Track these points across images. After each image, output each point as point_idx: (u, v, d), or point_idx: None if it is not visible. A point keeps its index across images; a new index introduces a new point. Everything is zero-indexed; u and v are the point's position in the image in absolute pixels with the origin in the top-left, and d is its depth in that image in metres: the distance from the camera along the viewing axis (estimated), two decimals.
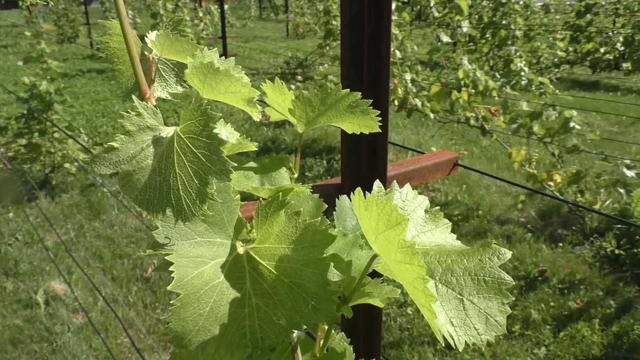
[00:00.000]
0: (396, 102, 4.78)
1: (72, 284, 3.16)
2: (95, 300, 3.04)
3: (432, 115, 4.59)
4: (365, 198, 0.38)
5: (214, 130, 0.38)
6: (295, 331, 0.56)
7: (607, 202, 3.92)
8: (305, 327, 0.56)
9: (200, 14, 9.81)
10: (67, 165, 4.46)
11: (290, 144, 5.71)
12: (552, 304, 3.02)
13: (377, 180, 0.46)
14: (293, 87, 6.69)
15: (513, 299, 0.39)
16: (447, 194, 4.45)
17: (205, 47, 0.46)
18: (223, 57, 0.48)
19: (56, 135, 4.34)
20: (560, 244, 3.66)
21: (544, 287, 3.18)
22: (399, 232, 0.35)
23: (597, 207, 3.74)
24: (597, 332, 2.79)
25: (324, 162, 5.10)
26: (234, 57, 0.48)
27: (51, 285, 3.16)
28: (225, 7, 12.75)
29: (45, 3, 0.36)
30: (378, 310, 0.92)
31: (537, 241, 3.70)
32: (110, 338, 2.76)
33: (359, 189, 0.39)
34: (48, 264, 3.36)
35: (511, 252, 0.42)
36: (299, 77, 7.17)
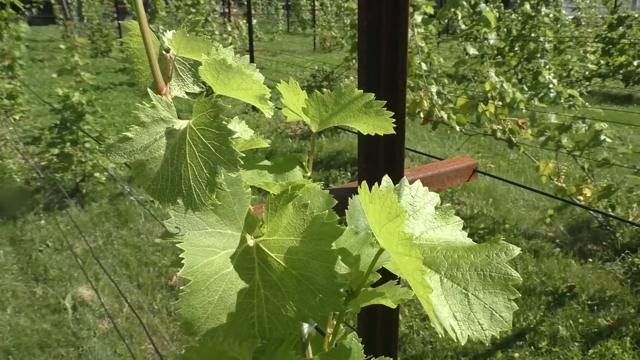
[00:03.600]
0: (422, 115, 4.76)
1: (99, 290, 3.22)
2: (120, 307, 3.09)
3: (458, 128, 4.55)
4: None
5: (223, 122, 0.39)
6: (306, 326, 0.57)
7: None
8: (315, 323, 0.56)
9: (229, 28, 9.99)
10: (97, 174, 4.57)
11: (315, 155, 5.73)
12: (581, 320, 2.94)
13: (386, 175, 0.46)
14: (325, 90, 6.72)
15: (520, 295, 0.39)
16: (473, 207, 4.40)
17: (220, 45, 0.48)
18: (237, 56, 0.49)
19: (87, 145, 4.45)
20: (590, 260, 3.56)
21: (572, 303, 3.10)
22: (399, 224, 0.35)
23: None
24: (628, 350, 2.70)
25: (349, 173, 5.10)
26: (247, 56, 0.50)
27: (79, 291, 3.23)
28: (254, 21, 12.94)
29: None
30: (395, 317, 0.91)
31: (565, 256, 3.62)
32: (134, 344, 2.80)
33: (364, 182, 0.39)
34: (76, 270, 3.44)
35: (519, 249, 0.41)
36: (325, 90, 7.21)
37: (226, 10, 14.60)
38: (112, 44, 12.81)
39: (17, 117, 6.82)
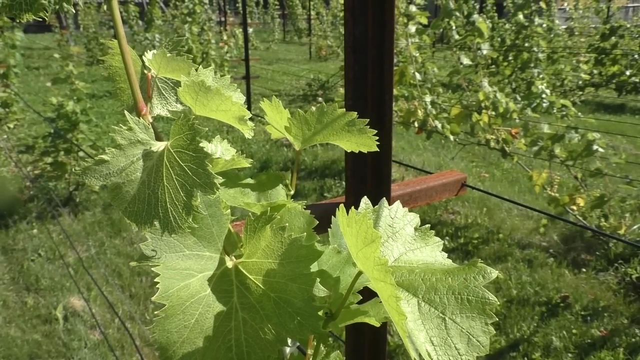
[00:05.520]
0: (416, 124, 4.77)
1: (90, 301, 3.19)
2: (112, 317, 3.07)
3: (452, 137, 4.57)
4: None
5: (200, 144, 0.39)
6: (288, 348, 0.56)
7: (634, 227, 3.83)
8: (297, 343, 0.56)
9: (225, 37, 10.01)
10: None
11: (310, 164, 5.73)
12: (574, 331, 2.94)
13: (365, 196, 0.46)
14: (314, 108, 6.74)
15: (497, 319, 0.39)
16: (467, 217, 4.40)
17: (200, 66, 0.48)
18: (215, 75, 0.49)
19: (81, 153, 4.44)
20: (584, 270, 3.57)
21: (566, 313, 3.10)
22: (374, 249, 0.35)
23: (621, 232, 3.64)
24: None
25: (343, 182, 5.10)
26: (228, 77, 0.50)
27: (70, 301, 3.21)
28: (250, 30, 12.97)
29: (42, 19, 0.38)
30: (383, 331, 0.91)
31: (559, 266, 3.62)
32: (125, 355, 2.77)
33: (342, 205, 0.39)
34: (68, 280, 3.41)
35: (497, 272, 0.41)
36: (320, 99, 7.23)
37: (222, 19, 14.65)
38: (107, 53, 12.80)
39: (11, 126, 6.80)
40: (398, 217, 0.47)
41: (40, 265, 3.59)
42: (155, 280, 0.40)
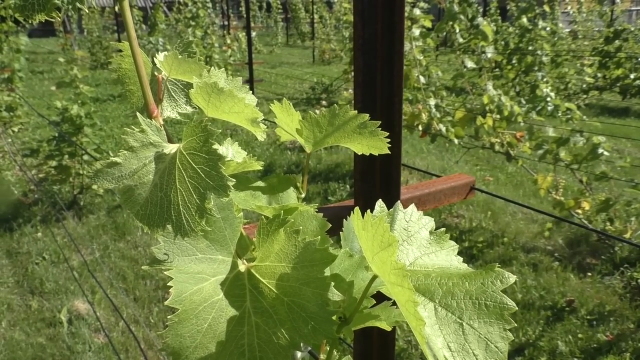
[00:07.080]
0: (420, 128, 4.77)
1: (94, 304, 3.19)
2: (117, 320, 3.06)
3: (456, 141, 4.56)
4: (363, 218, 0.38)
5: (213, 147, 0.38)
6: (299, 353, 0.56)
7: (639, 232, 3.80)
8: (308, 348, 0.55)
9: (229, 41, 10.03)
10: (95, 186, 4.56)
11: (314, 168, 5.73)
12: (580, 335, 2.92)
13: (380, 200, 0.45)
14: (317, 112, 6.74)
15: (515, 325, 0.38)
16: (472, 220, 4.39)
17: (213, 68, 0.47)
18: (229, 78, 0.49)
19: (85, 157, 4.45)
20: (589, 274, 3.55)
21: (571, 318, 3.08)
22: (391, 253, 0.34)
23: (627, 236, 3.62)
24: None
25: (347, 186, 5.10)
26: (240, 78, 0.49)
27: (75, 305, 3.21)
28: (253, 34, 13.00)
29: (53, 19, 0.38)
30: (391, 335, 0.90)
31: (564, 270, 3.60)
32: (130, 359, 2.77)
33: (357, 208, 0.38)
34: (72, 284, 3.41)
35: (515, 277, 0.41)
36: (324, 102, 7.24)
37: (225, 23, 14.68)
38: (112, 57, 12.85)
39: (15, 129, 6.82)
40: (413, 220, 0.46)
41: (44, 269, 3.59)
42: (168, 284, 0.39)
